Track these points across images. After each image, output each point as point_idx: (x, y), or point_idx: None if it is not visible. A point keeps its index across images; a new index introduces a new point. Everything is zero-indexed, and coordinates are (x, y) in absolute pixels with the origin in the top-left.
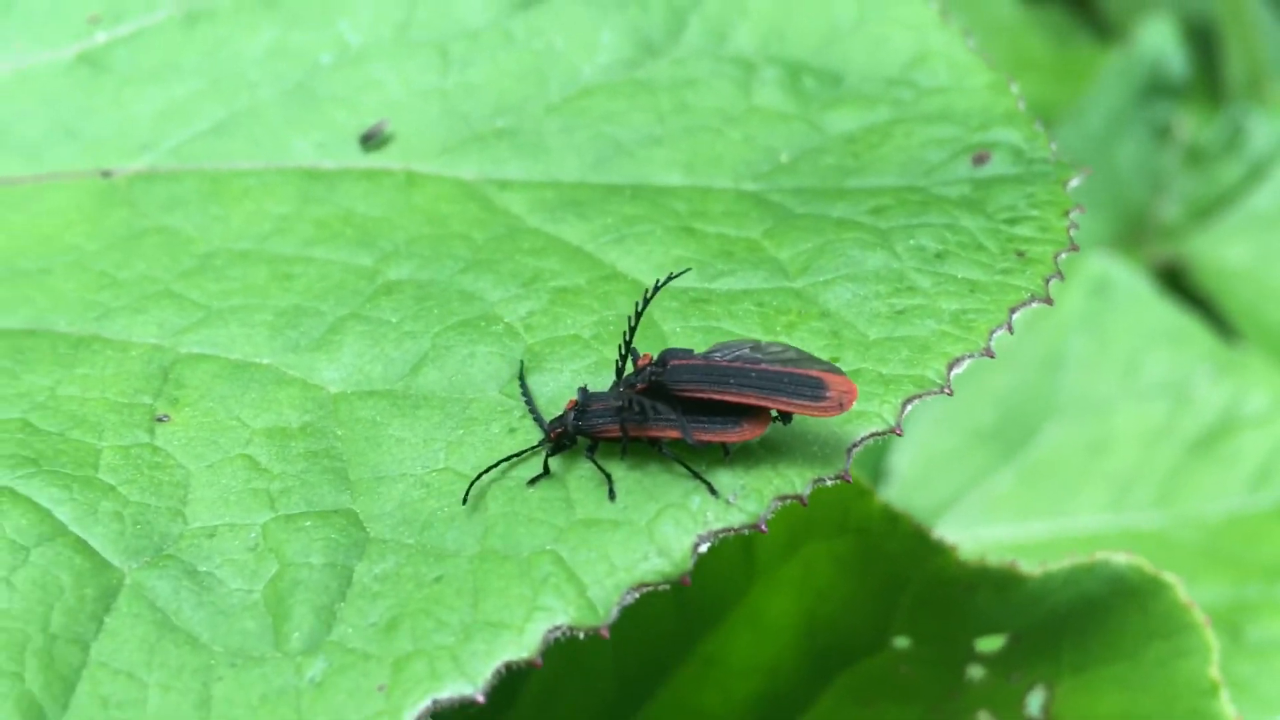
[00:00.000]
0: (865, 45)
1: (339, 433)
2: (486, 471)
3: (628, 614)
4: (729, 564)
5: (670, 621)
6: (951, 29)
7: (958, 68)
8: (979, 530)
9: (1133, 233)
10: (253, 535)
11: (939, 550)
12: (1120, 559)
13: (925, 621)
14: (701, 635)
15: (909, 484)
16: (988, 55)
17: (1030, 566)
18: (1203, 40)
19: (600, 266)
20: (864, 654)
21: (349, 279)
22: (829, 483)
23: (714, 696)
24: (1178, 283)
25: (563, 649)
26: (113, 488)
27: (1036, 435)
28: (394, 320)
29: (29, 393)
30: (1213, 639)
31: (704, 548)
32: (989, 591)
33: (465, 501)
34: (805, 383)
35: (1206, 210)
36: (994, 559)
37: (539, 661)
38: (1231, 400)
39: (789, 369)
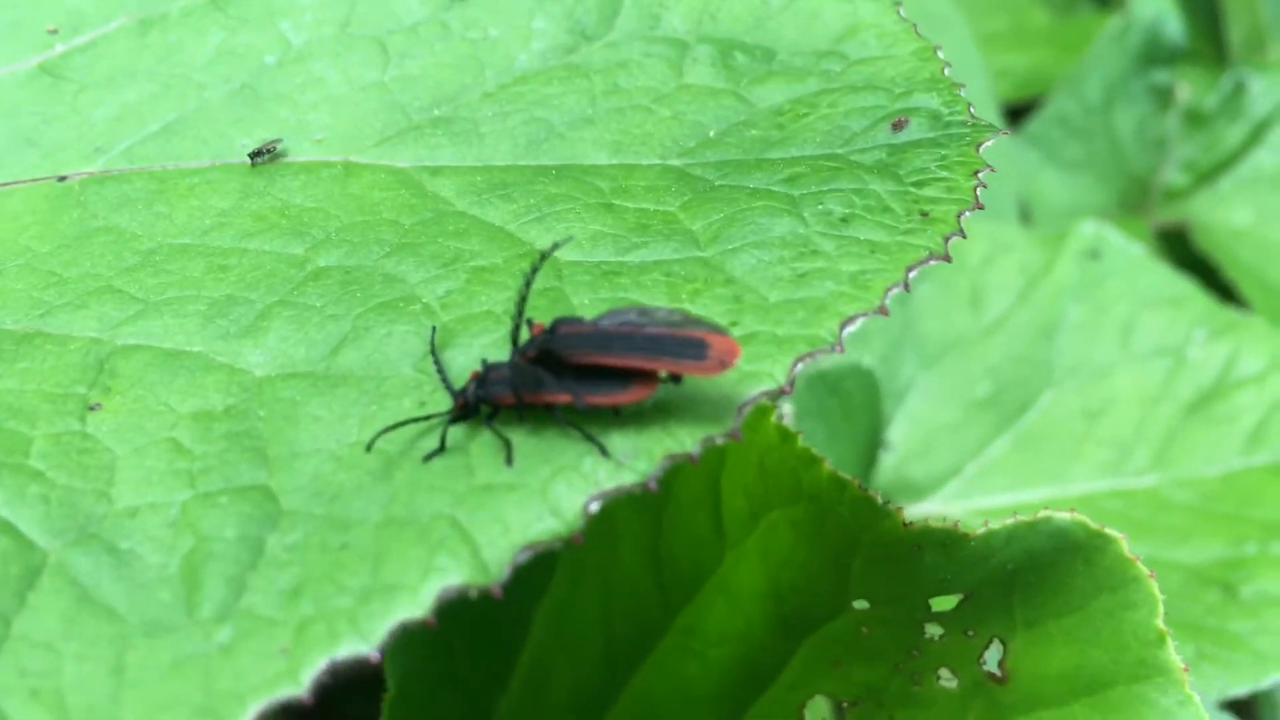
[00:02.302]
0: (797, 20)
1: (261, 414)
2: (389, 430)
3: (611, 590)
4: (702, 537)
5: (651, 596)
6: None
7: (886, 37)
8: (978, 499)
9: (1136, 198)
10: (172, 513)
11: (884, 514)
12: (1063, 516)
13: (879, 583)
14: (680, 608)
15: (908, 456)
16: (916, 23)
17: (973, 526)
18: (1203, 1)
19: (519, 245)
20: (827, 617)
21: (280, 268)
22: (719, 440)
23: (694, 665)
24: (1182, 247)
25: (551, 628)
26: (41, 473)
27: (1034, 403)
28: (319, 305)
29: None
30: (1157, 590)
31: (594, 507)
32: (935, 551)
33: (369, 449)
34: (688, 343)
35: (1209, 173)
36: (936, 520)
37: (433, 621)
38: (1228, 361)
39: (672, 331)
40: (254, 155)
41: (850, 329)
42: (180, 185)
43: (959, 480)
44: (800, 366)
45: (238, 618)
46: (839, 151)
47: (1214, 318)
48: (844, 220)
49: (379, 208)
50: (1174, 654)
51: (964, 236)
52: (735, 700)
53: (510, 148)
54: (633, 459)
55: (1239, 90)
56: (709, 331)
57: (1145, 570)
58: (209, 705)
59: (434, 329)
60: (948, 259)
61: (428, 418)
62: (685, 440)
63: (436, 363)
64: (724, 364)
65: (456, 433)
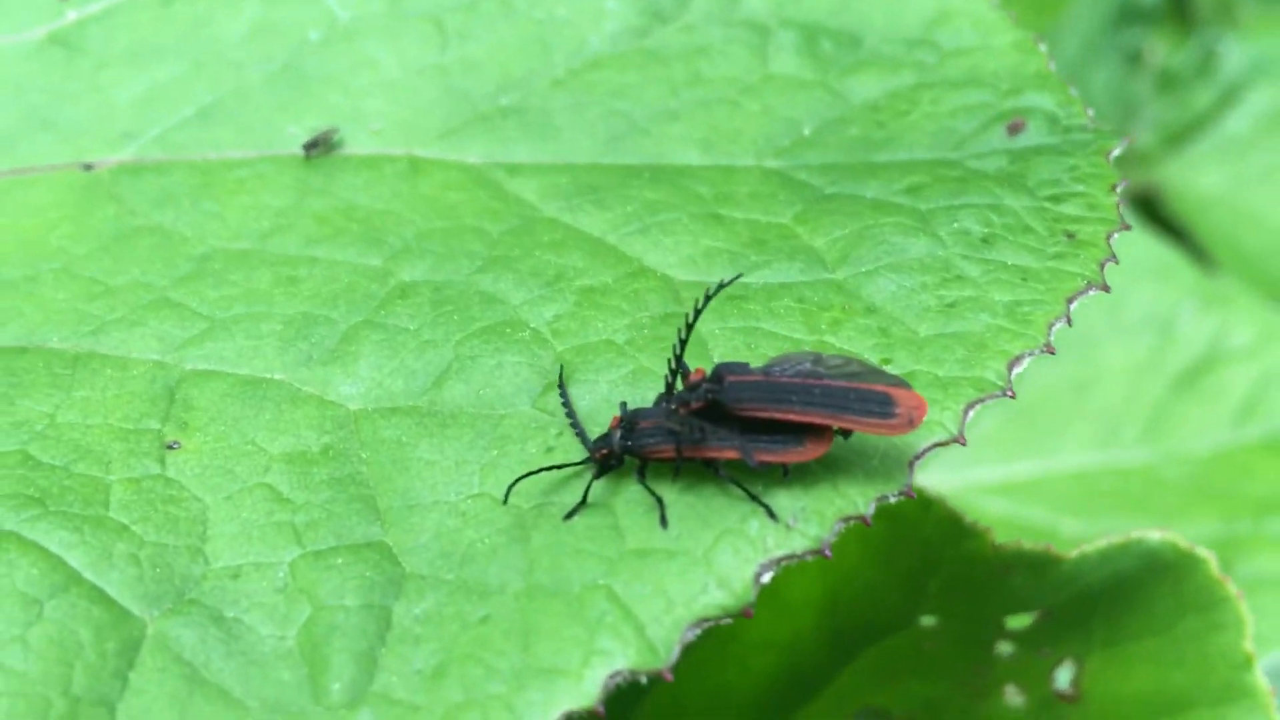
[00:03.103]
0: (884, 4)
1: (363, 455)
2: (526, 476)
3: None
4: None
5: None
6: None
7: (982, 25)
8: (967, 472)
9: None
10: (280, 574)
11: (973, 534)
12: (1154, 536)
13: (956, 602)
14: None
15: None
16: (1012, 12)
17: (1065, 548)
18: None
19: (626, 261)
20: (889, 631)
21: (359, 281)
22: (892, 500)
23: (732, 671)
24: (1152, 210)
25: None
26: (126, 527)
27: (1022, 375)
28: (412, 327)
29: (27, 421)
30: (1246, 612)
31: (766, 577)
32: (1024, 573)
33: (505, 500)
34: (873, 399)
35: (1180, 136)
36: (1029, 543)
37: (601, 710)
38: (1216, 334)
39: (855, 384)
40: (308, 146)
41: (1018, 370)
42: (227, 179)
43: (948, 452)
44: (971, 414)
45: (374, 703)
46: (952, 156)
47: (1201, 290)
48: (985, 241)
49: (458, 211)
50: (1261, 678)
51: (1117, 262)
52: (777, 709)
53: (590, 143)
54: (802, 521)
55: (1209, 54)
56: (893, 385)
57: (1234, 590)
58: None
59: (560, 368)
60: (1106, 289)
61: (561, 466)
62: (857, 500)
63: (568, 406)
64: (912, 423)
65: (596, 487)
